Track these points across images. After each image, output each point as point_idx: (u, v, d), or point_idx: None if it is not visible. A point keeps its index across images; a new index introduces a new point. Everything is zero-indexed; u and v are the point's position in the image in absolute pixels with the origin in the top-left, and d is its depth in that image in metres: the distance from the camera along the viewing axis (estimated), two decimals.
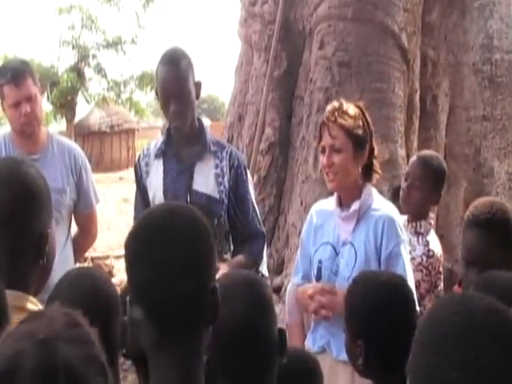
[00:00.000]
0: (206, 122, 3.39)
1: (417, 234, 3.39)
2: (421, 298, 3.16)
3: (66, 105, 24.41)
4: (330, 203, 3.03)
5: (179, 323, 1.46)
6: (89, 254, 9.47)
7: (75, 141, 25.34)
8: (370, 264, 2.81)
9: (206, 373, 1.56)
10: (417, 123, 6.14)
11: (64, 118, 25.31)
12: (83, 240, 3.84)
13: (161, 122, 31.38)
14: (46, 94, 24.26)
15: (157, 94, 3.23)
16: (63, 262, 2.96)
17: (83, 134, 26.19)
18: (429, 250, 3.36)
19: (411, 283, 2.77)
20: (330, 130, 2.89)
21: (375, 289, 2.11)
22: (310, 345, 3.01)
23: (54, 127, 29.31)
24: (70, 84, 23.91)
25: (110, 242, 10.09)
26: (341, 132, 2.87)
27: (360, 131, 2.88)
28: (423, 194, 3.40)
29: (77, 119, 25.98)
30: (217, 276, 2.85)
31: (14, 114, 3.51)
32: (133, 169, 3.54)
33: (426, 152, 4.00)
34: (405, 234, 2.94)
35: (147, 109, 29.07)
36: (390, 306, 2.05)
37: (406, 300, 2.10)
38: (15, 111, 3.50)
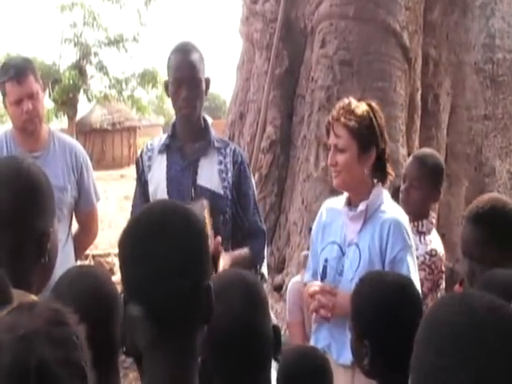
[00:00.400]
0: (208, 119, 3.39)
1: (419, 233, 3.39)
2: (424, 297, 3.16)
3: (67, 102, 24.42)
4: (340, 201, 2.99)
5: (174, 322, 1.46)
6: (90, 251, 9.48)
7: (77, 138, 25.36)
8: (374, 266, 2.77)
9: (201, 373, 1.56)
10: (418, 122, 6.14)
11: (65, 116, 25.32)
12: (84, 238, 3.85)
13: (162, 119, 31.40)
14: (47, 91, 24.25)
15: (166, 87, 3.23)
16: (64, 260, 2.97)
17: (85, 131, 26.18)
18: (431, 249, 3.36)
19: (417, 286, 2.72)
20: (334, 128, 2.86)
21: (381, 289, 2.11)
22: (315, 345, 2.96)
23: (56, 125, 29.31)
24: (71, 81, 23.91)
25: (111, 239, 10.08)
26: (345, 132, 2.83)
27: (366, 132, 2.82)
28: (422, 192, 3.40)
29: (78, 117, 25.98)
30: (220, 267, 2.87)
31: (15, 111, 3.52)
32: (134, 166, 3.54)
33: (422, 151, 4.01)
34: (411, 239, 2.89)
35: (149, 107, 29.05)
36: (396, 307, 2.05)
37: (412, 300, 2.10)
38: (17, 108, 3.50)
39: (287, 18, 6.46)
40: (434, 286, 3.32)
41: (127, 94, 25.42)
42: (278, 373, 1.93)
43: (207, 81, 3.20)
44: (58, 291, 1.89)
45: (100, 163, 25.72)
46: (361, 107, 2.86)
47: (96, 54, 25.25)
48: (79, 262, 4.31)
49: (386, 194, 2.94)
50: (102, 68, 25.28)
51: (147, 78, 24.96)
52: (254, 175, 5.41)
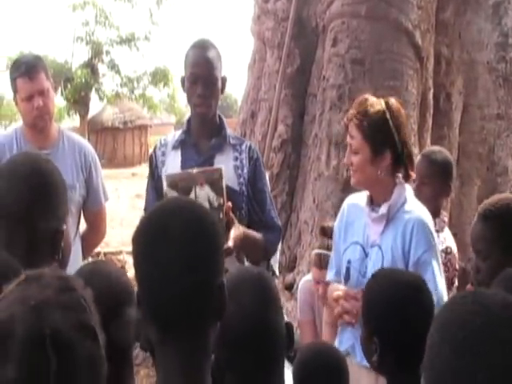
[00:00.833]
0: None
1: None
2: None
3: (79, 101, 24.50)
4: (362, 197, 2.92)
5: (183, 321, 1.46)
6: (101, 249, 9.52)
7: (88, 137, 25.50)
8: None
9: (214, 371, 1.56)
10: (430, 121, 6.12)
11: (77, 114, 25.40)
12: (92, 237, 3.85)
13: (174, 118, 31.44)
14: (59, 89, 24.36)
15: (182, 82, 3.22)
16: (72, 259, 2.98)
17: (96, 129, 26.27)
18: (446, 247, 3.36)
19: (442, 291, 2.70)
20: (349, 129, 2.81)
21: (392, 287, 2.11)
22: (337, 347, 2.91)
23: (68, 123, 29.43)
24: (83, 80, 23.99)
25: (123, 237, 10.11)
26: (358, 133, 2.78)
27: (379, 134, 2.75)
28: (433, 189, 3.40)
29: (90, 115, 26.06)
30: (232, 233, 2.84)
31: (26, 107, 3.53)
32: (146, 164, 3.56)
33: (430, 148, 4.02)
34: (436, 239, 2.82)
35: (160, 105, 29.09)
36: (406, 305, 2.05)
37: (422, 300, 2.10)
38: (28, 104, 3.52)
39: (299, 16, 6.46)
40: (449, 283, 3.31)
41: (139, 93, 25.49)
42: (293, 370, 1.93)
43: (224, 79, 3.19)
44: None
45: (111, 162, 25.81)
46: (376, 107, 2.77)
47: (108, 53, 25.32)
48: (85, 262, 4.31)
49: (409, 193, 2.87)
50: (113, 67, 25.35)
51: (159, 77, 25.01)
52: None
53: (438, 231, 3.40)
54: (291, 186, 6.36)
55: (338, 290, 2.88)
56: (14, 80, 3.56)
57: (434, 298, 2.51)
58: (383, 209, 2.79)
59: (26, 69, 3.51)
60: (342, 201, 5.63)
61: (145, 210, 3.18)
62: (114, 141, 26.59)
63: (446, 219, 3.60)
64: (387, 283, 2.14)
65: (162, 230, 1.48)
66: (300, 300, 4.17)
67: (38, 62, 3.67)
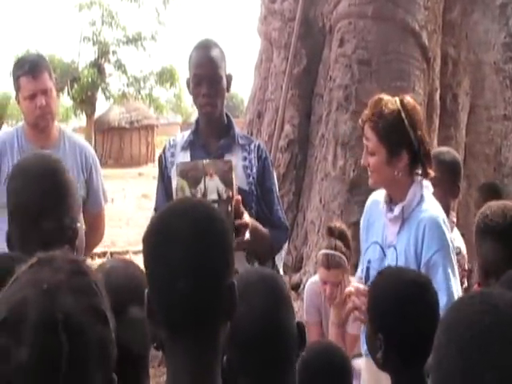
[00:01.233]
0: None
1: None
2: None
3: (86, 100, 24.57)
4: (383, 195, 2.90)
5: (192, 321, 1.47)
6: (108, 249, 9.54)
7: (95, 136, 25.56)
8: None
9: (226, 372, 1.56)
10: (437, 122, 6.12)
11: (84, 114, 25.47)
12: (91, 238, 3.83)
13: (180, 118, 31.46)
14: (66, 89, 24.42)
15: (188, 84, 3.23)
16: None
17: (103, 129, 26.33)
18: (456, 247, 3.36)
19: (453, 293, 2.67)
20: (365, 130, 2.79)
21: (397, 285, 2.12)
22: (361, 347, 2.86)
23: (74, 123, 29.49)
24: (90, 80, 24.05)
25: (130, 237, 10.13)
26: (373, 135, 2.75)
27: (395, 135, 2.72)
28: (442, 188, 3.40)
29: (96, 115, 26.12)
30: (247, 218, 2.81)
31: (29, 106, 3.52)
32: (152, 163, 3.56)
33: (438, 149, 4.01)
34: (449, 239, 2.77)
35: (166, 105, 29.12)
36: (410, 303, 2.05)
37: (427, 298, 2.10)
38: (30, 103, 3.51)
39: (305, 16, 6.46)
40: None
41: (145, 93, 25.54)
42: (297, 369, 1.93)
43: (229, 77, 3.19)
44: None
45: (118, 161, 25.87)
46: (391, 107, 2.74)
47: (114, 53, 25.39)
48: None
49: (427, 192, 2.82)
50: (120, 66, 25.41)
51: (165, 77, 25.06)
52: None
53: None
54: (298, 186, 6.37)
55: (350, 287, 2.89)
56: (17, 78, 3.54)
57: (444, 299, 2.51)
58: (397, 210, 2.78)
59: (29, 68, 3.51)
60: (348, 201, 5.72)
61: (155, 210, 3.19)
62: (120, 141, 26.64)
63: (455, 220, 3.60)
64: (393, 281, 2.15)
65: (172, 231, 1.49)
66: (306, 301, 4.17)
67: (42, 61, 3.68)
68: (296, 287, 5.80)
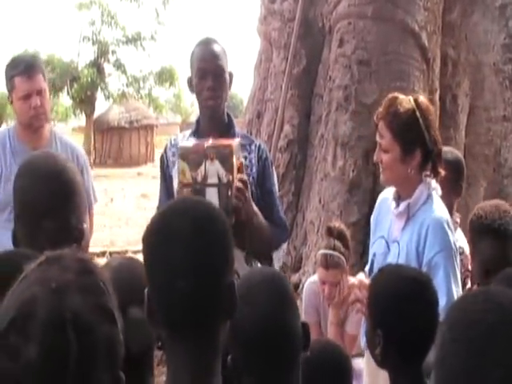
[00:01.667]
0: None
1: None
2: None
3: (85, 100, 24.59)
4: (392, 192, 2.94)
5: (192, 320, 1.47)
6: (107, 248, 9.55)
7: (94, 136, 25.55)
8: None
9: (231, 371, 1.57)
10: (436, 123, 6.11)
11: (83, 114, 25.48)
12: None
13: (179, 118, 31.47)
14: (65, 89, 24.42)
15: (189, 83, 3.22)
16: None
17: (102, 129, 26.32)
18: (459, 247, 3.36)
19: (454, 294, 2.68)
20: (379, 127, 2.81)
21: (396, 281, 2.13)
22: (362, 343, 2.90)
23: (74, 122, 29.50)
24: (89, 79, 24.06)
25: (129, 237, 10.13)
26: (388, 133, 2.77)
27: (410, 134, 2.75)
28: (445, 188, 3.40)
29: (96, 115, 26.13)
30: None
31: (23, 106, 3.52)
32: (152, 163, 3.56)
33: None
34: (452, 242, 2.78)
35: (166, 105, 29.12)
36: (409, 300, 2.06)
37: (426, 296, 2.11)
38: (24, 103, 3.50)
39: (305, 17, 6.46)
40: (461, 284, 3.31)
41: (145, 93, 25.56)
42: None
43: (230, 75, 3.19)
44: None
45: (117, 161, 25.86)
46: (406, 106, 2.77)
47: (114, 53, 25.41)
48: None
49: (434, 193, 2.86)
50: (119, 66, 25.43)
51: (165, 77, 25.08)
52: None
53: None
54: (297, 186, 6.37)
55: (354, 279, 2.93)
56: (11, 78, 3.53)
57: (444, 300, 2.52)
58: (402, 206, 2.82)
59: (25, 68, 3.50)
60: (347, 201, 5.72)
61: (158, 209, 3.19)
62: (119, 140, 26.63)
63: (459, 220, 3.61)
64: (392, 278, 2.16)
65: (172, 230, 1.50)
66: (305, 301, 4.17)
67: (36, 61, 3.69)
68: (295, 287, 5.80)
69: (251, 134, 6.65)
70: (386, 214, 2.95)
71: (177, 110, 30.76)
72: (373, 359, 2.18)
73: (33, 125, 3.55)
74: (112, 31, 24.98)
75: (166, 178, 3.28)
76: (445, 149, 3.94)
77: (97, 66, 24.92)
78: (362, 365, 3.11)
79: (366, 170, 5.70)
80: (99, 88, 25.06)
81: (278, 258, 3.31)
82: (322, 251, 4.01)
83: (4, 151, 3.54)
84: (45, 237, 1.88)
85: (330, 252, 3.94)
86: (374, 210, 3.09)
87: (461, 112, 6.25)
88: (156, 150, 24.29)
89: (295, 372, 1.75)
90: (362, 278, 2.89)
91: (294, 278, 5.92)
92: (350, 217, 5.56)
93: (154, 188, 3.41)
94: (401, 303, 2.05)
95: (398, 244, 2.82)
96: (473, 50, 6.33)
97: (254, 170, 3.17)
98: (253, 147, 3.21)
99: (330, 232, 4.05)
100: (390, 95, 2.88)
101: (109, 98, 25.51)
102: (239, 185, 2.84)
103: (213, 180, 2.83)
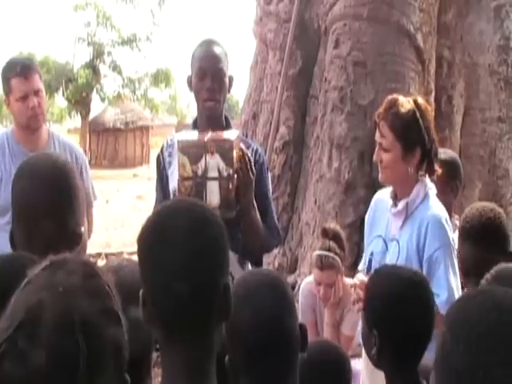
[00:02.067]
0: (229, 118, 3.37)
1: None
2: None
3: (80, 101, 24.57)
4: (388, 193, 3.01)
5: (187, 321, 1.47)
6: (103, 250, 9.54)
7: (90, 137, 25.52)
8: (411, 264, 2.75)
9: (229, 372, 1.56)
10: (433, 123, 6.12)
11: (79, 115, 25.47)
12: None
13: (175, 119, 31.46)
14: (61, 90, 24.39)
15: (189, 82, 3.22)
16: None
17: (98, 130, 26.30)
18: (458, 249, 3.37)
19: (453, 289, 2.73)
20: (380, 127, 2.88)
21: (393, 282, 2.14)
22: (359, 338, 3.00)
23: (69, 123, 29.46)
24: (85, 81, 24.04)
25: (124, 238, 10.12)
26: (390, 132, 2.84)
27: (411, 133, 2.84)
28: (441, 185, 3.41)
29: (91, 116, 26.11)
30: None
31: (21, 107, 3.54)
32: (147, 165, 3.56)
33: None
34: (451, 237, 2.85)
35: (161, 106, 29.10)
36: (405, 301, 2.07)
37: (421, 298, 2.12)
38: (22, 104, 3.52)
39: (301, 18, 6.47)
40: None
41: (140, 94, 25.55)
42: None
43: (230, 78, 3.19)
44: None
45: (113, 162, 25.84)
46: (407, 106, 2.85)
47: (109, 54, 25.40)
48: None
49: (431, 190, 2.93)
50: (115, 67, 25.43)
51: (160, 78, 25.08)
52: None
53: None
54: (293, 187, 6.37)
55: (355, 279, 2.95)
56: (7, 80, 3.56)
57: (445, 295, 2.58)
58: (401, 204, 2.88)
59: (21, 69, 3.53)
60: (343, 202, 5.72)
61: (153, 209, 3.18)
62: (115, 142, 26.61)
63: (458, 223, 3.62)
64: (388, 279, 2.17)
65: (167, 231, 1.50)
66: (301, 302, 4.17)
67: (32, 63, 3.73)
68: (291, 288, 5.81)
69: (247, 135, 6.66)
70: (383, 213, 3.00)
71: (172, 111, 30.70)
72: (369, 359, 2.19)
73: (31, 125, 3.57)
74: (107, 32, 24.99)
75: (162, 178, 3.27)
76: (439, 150, 3.96)
77: (92, 67, 24.90)
78: (359, 366, 3.12)
79: (361, 171, 5.70)
80: (95, 89, 25.04)
81: (268, 263, 3.32)
82: (317, 252, 4.02)
83: (3, 155, 3.55)
84: (42, 239, 1.88)
85: (326, 253, 3.94)
86: (369, 210, 3.14)
87: (456, 113, 6.26)
88: (152, 152, 24.27)
89: (292, 373, 1.75)
90: (362, 277, 2.91)
91: (290, 279, 5.92)
92: (345, 218, 5.56)
93: (149, 189, 3.41)
94: (396, 304, 2.06)
95: (398, 242, 2.87)
96: (468, 51, 6.34)
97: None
98: (250, 150, 3.21)
99: (326, 233, 4.06)
100: (390, 97, 2.94)
101: (104, 99, 25.50)
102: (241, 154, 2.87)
103: (213, 174, 2.85)
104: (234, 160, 2.86)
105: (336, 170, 5.76)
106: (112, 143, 26.63)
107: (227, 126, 3.23)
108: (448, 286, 2.72)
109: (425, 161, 2.89)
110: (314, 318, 4.17)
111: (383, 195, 3.05)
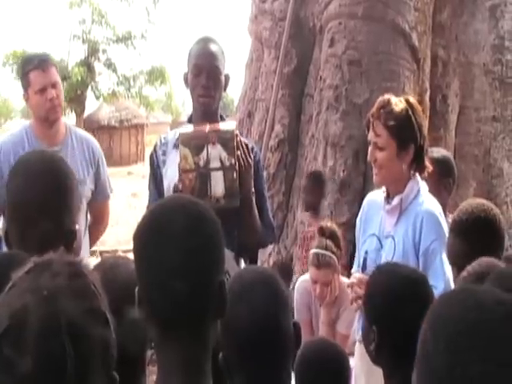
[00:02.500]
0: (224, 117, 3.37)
1: None
2: None
3: (75, 99, 24.47)
4: (380, 194, 3.06)
5: (182, 319, 1.47)
6: (97, 248, 9.52)
7: None
8: (408, 259, 2.80)
9: (223, 370, 1.56)
10: (426, 123, 6.13)
11: (73, 112, 25.37)
12: (97, 228, 3.91)
13: (170, 117, 31.42)
14: None
15: (185, 78, 3.21)
16: (82, 251, 3.00)
17: (92, 128, 26.17)
18: None
19: (449, 278, 2.78)
20: (374, 127, 2.92)
21: (393, 280, 2.15)
22: (356, 334, 3.03)
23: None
24: (79, 78, 23.96)
25: (119, 236, 10.13)
26: (384, 131, 2.89)
27: (404, 131, 2.89)
28: (434, 183, 3.42)
29: (86, 114, 26.03)
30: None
31: (39, 99, 3.57)
32: (142, 162, 3.56)
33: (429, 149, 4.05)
34: (445, 230, 2.89)
35: (156, 104, 29.05)
36: (404, 299, 2.08)
37: (420, 296, 2.12)
38: (41, 97, 3.56)
39: (296, 16, 6.47)
40: None
41: (135, 92, 25.47)
42: (295, 366, 1.94)
43: (226, 77, 3.19)
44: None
45: (107, 160, 25.50)
46: (400, 105, 2.90)
47: (104, 51, 25.30)
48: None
49: (423, 187, 2.98)
50: (110, 65, 25.34)
51: (155, 76, 25.00)
52: None
53: None
54: (288, 185, 6.38)
55: (352, 278, 2.99)
56: (26, 74, 3.61)
57: (442, 285, 2.65)
58: (396, 200, 2.92)
59: (38, 62, 3.59)
60: (338, 201, 5.73)
61: (147, 209, 3.18)
62: (110, 139, 26.54)
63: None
64: (388, 276, 2.19)
65: (162, 228, 1.49)
66: (297, 300, 4.18)
67: (48, 57, 3.84)
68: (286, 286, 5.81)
69: (242, 133, 6.64)
70: (375, 213, 3.04)
71: (167, 109, 30.64)
72: (368, 355, 2.20)
73: (50, 118, 3.62)
74: (102, 30, 24.90)
75: (156, 176, 3.26)
76: (432, 148, 3.98)
77: (87, 64, 24.83)
78: (352, 364, 3.13)
79: (356, 170, 5.71)
80: (89, 87, 24.96)
81: (262, 260, 3.32)
82: (313, 250, 4.02)
83: (23, 150, 3.55)
84: (37, 237, 1.88)
85: (322, 251, 3.95)
86: (361, 211, 3.17)
87: (451, 112, 6.27)
88: (146, 149, 24.24)
89: (286, 371, 1.76)
90: (360, 275, 2.93)
91: None
92: (340, 216, 5.57)
93: (144, 187, 3.41)
94: (395, 301, 2.08)
95: (393, 239, 2.91)
96: (463, 50, 6.36)
97: None
98: None
99: (322, 232, 4.06)
100: (382, 97, 2.99)
101: (99, 97, 25.43)
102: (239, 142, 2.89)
103: (215, 164, 2.85)
104: (235, 150, 2.88)
105: (331, 168, 5.76)
106: (107, 141, 26.55)
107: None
108: (444, 276, 2.77)
109: (417, 158, 2.94)
110: (309, 316, 4.17)
111: (375, 196, 3.10)
